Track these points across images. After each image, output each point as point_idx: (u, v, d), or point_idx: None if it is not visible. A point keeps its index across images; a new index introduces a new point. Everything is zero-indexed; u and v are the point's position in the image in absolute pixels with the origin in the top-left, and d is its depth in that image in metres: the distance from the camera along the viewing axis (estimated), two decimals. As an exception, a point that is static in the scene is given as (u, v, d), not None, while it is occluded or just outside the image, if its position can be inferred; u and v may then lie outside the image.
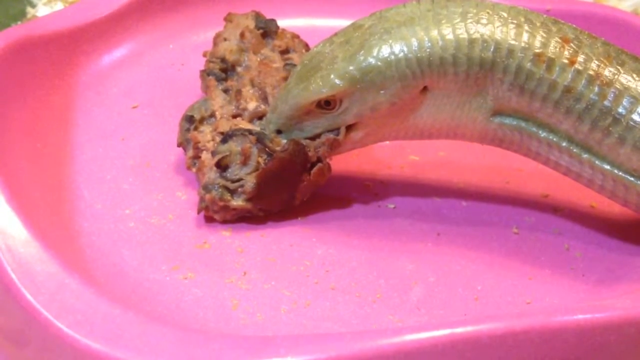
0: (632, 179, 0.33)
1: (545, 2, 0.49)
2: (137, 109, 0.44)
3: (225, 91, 0.39)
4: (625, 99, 0.32)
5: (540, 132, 0.34)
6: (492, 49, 0.33)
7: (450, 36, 0.33)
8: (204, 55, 0.43)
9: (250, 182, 0.35)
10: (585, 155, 0.34)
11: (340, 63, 0.34)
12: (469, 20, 0.34)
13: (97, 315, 0.28)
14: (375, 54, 0.34)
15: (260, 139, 0.36)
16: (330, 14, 0.52)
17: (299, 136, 0.36)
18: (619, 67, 0.33)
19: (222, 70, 0.41)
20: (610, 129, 0.33)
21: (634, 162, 0.33)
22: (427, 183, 0.39)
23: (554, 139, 0.34)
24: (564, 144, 0.34)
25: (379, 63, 0.34)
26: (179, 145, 0.39)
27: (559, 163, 0.35)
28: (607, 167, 0.33)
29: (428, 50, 0.33)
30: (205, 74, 0.41)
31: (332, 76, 0.34)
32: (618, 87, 0.33)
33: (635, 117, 0.32)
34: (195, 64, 0.44)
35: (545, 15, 0.34)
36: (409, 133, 0.36)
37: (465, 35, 0.33)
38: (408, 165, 0.40)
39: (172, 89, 0.45)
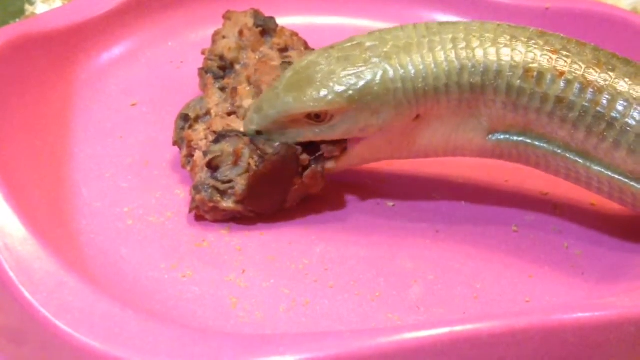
0: (626, 180, 0.33)
1: (544, 0, 0.49)
2: (135, 107, 0.44)
3: (222, 89, 0.39)
4: (618, 104, 0.33)
5: (537, 143, 0.34)
6: (480, 73, 0.33)
7: (443, 65, 0.33)
8: (203, 53, 0.43)
9: (240, 184, 0.35)
10: (581, 161, 0.34)
11: (338, 79, 0.34)
12: (459, 47, 0.34)
13: (95, 314, 0.27)
14: (375, 78, 0.34)
15: (253, 140, 0.36)
16: (329, 12, 0.52)
17: (280, 141, 0.35)
18: (610, 73, 0.33)
19: (220, 68, 0.41)
20: (605, 134, 0.33)
21: (629, 165, 0.33)
22: (427, 181, 0.39)
23: (551, 148, 0.34)
24: (559, 151, 0.34)
25: (378, 88, 0.34)
26: (174, 143, 0.39)
27: (558, 170, 0.35)
28: (603, 170, 0.34)
29: (424, 80, 0.33)
30: (204, 71, 0.41)
31: (328, 92, 0.34)
32: (610, 92, 0.33)
33: (629, 120, 0.33)
34: (194, 61, 0.44)
35: (531, 29, 0.35)
36: (403, 155, 0.36)
37: (456, 63, 0.33)
38: (407, 163, 0.40)
39: (170, 87, 0.45)
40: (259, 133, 0.36)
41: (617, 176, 0.33)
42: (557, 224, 0.37)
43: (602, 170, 0.34)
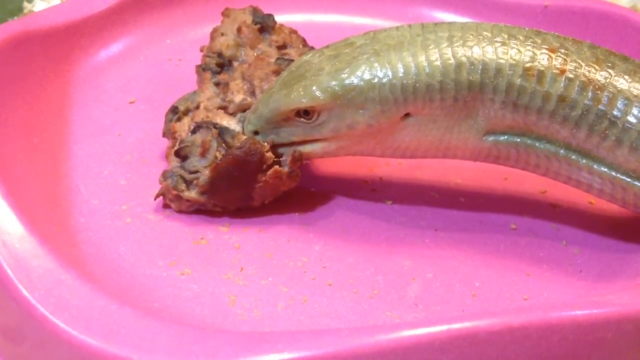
0: (629, 179, 0.33)
1: (543, -2, 0.49)
2: (133, 104, 0.44)
3: (217, 84, 0.39)
4: (619, 102, 0.33)
5: (537, 144, 0.34)
6: (479, 71, 0.33)
7: (437, 62, 0.33)
8: (201, 50, 0.43)
9: (204, 176, 0.35)
10: (583, 161, 0.34)
11: (324, 76, 0.34)
12: (455, 44, 0.33)
13: (93, 311, 0.27)
14: (359, 73, 0.34)
15: (221, 133, 0.36)
16: (328, 10, 0.52)
17: (275, 140, 0.35)
18: (609, 70, 0.33)
19: (218, 65, 0.40)
20: (607, 132, 0.33)
21: (631, 163, 0.33)
22: (425, 179, 0.39)
23: (552, 149, 0.34)
24: (562, 152, 0.34)
25: (362, 83, 0.33)
26: (163, 135, 0.39)
27: (559, 172, 0.35)
28: (605, 170, 0.33)
29: (414, 77, 0.33)
30: (201, 68, 0.41)
31: (314, 88, 0.34)
32: (611, 90, 0.33)
33: (630, 118, 0.32)
34: (193, 59, 0.44)
35: (527, 28, 0.34)
36: (387, 153, 0.36)
37: (452, 60, 0.33)
38: (406, 162, 0.40)
39: (169, 84, 0.45)
40: (256, 133, 0.36)
41: (620, 175, 0.33)
42: (556, 222, 0.37)
43: (605, 169, 0.33)
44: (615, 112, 0.33)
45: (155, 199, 0.36)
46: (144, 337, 0.27)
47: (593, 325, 0.28)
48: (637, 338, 0.29)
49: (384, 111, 0.34)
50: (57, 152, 0.40)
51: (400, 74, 0.33)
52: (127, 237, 0.35)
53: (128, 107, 0.43)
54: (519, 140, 0.34)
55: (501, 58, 0.33)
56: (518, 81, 0.33)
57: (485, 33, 0.34)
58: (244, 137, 0.36)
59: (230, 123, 0.37)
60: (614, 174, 0.33)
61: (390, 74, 0.33)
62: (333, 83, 0.34)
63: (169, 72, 0.46)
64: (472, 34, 0.34)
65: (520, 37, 0.34)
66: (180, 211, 0.36)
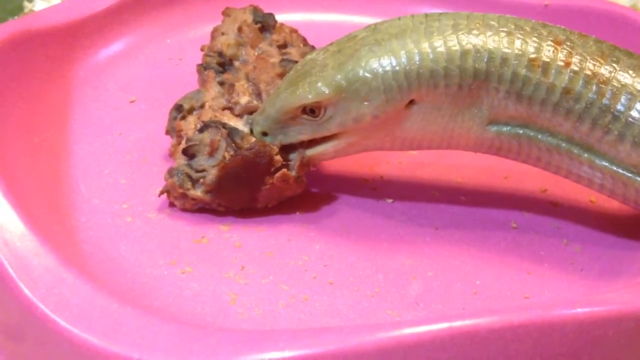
0: (630, 175, 0.33)
1: (543, -3, 0.49)
2: (134, 104, 0.44)
3: (222, 83, 0.39)
4: (623, 96, 0.33)
5: (539, 136, 0.34)
6: (485, 59, 0.33)
7: (441, 48, 0.33)
8: (202, 49, 0.43)
9: (211, 175, 0.35)
10: (585, 155, 0.34)
11: (329, 71, 0.34)
12: (461, 32, 0.33)
13: (94, 310, 0.27)
14: (362, 64, 0.34)
15: (230, 133, 0.36)
16: (329, 9, 0.52)
17: (283, 141, 0.36)
18: (614, 65, 0.33)
19: (219, 65, 0.40)
20: (610, 126, 0.33)
21: (633, 158, 0.33)
22: (426, 178, 0.39)
23: (554, 142, 0.34)
24: (563, 145, 0.34)
25: (366, 74, 0.33)
26: (166, 133, 0.39)
27: (560, 166, 0.35)
28: (607, 164, 0.33)
29: (417, 63, 0.33)
30: (202, 67, 0.41)
31: (319, 83, 0.34)
32: (615, 84, 0.33)
33: (633, 113, 0.32)
34: (193, 58, 0.44)
35: (534, 20, 0.34)
36: (395, 145, 0.36)
37: (457, 47, 0.33)
38: (406, 160, 0.40)
39: (169, 84, 0.45)
40: (264, 134, 0.36)
41: (621, 170, 0.33)
42: (557, 221, 0.37)
43: (606, 164, 0.33)
44: (618, 107, 0.33)
45: (159, 196, 0.36)
46: (144, 336, 0.27)
47: (594, 323, 0.28)
48: (638, 336, 0.29)
49: (388, 100, 0.34)
50: (57, 151, 0.40)
51: (403, 61, 0.33)
52: (127, 236, 0.35)
53: (128, 106, 0.43)
54: (521, 131, 0.34)
55: (507, 48, 0.33)
56: (523, 71, 0.33)
57: (491, 22, 0.34)
58: (252, 139, 0.36)
59: (238, 124, 0.37)
60: (615, 168, 0.33)
61: (393, 61, 0.33)
62: (337, 77, 0.34)
63: (170, 71, 0.46)
64: (478, 23, 0.34)
65: (527, 29, 0.34)
66: (184, 209, 0.36)
